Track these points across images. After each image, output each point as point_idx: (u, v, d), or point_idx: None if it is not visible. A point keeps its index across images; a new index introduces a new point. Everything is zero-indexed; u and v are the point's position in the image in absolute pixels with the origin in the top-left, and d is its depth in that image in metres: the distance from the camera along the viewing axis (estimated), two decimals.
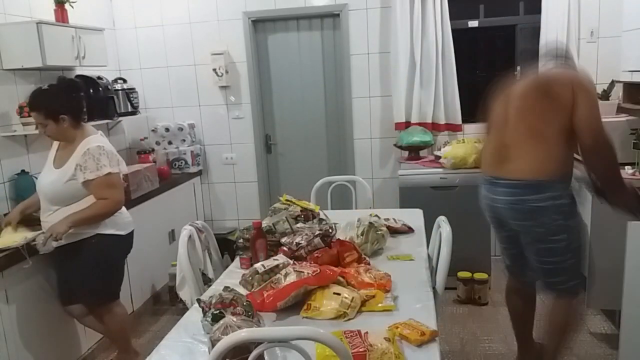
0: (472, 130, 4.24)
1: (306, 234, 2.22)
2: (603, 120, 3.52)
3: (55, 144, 2.76)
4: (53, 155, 2.73)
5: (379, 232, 2.37)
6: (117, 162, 2.67)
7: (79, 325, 3.02)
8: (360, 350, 1.44)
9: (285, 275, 1.85)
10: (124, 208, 2.79)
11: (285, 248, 2.19)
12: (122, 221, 2.75)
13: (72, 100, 2.66)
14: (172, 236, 4.12)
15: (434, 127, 4.20)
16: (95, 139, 2.64)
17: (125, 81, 4.21)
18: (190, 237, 2.35)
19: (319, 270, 1.83)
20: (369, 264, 2.14)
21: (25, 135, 3.29)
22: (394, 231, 2.59)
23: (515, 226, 2.40)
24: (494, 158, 2.40)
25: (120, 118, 4.07)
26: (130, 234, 2.80)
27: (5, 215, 2.84)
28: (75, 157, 2.58)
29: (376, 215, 2.55)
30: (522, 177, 2.29)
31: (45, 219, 2.62)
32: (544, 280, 2.44)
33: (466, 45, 4.36)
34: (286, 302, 1.77)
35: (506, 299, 2.77)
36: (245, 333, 1.21)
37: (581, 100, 2.20)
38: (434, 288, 2.05)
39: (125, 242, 2.78)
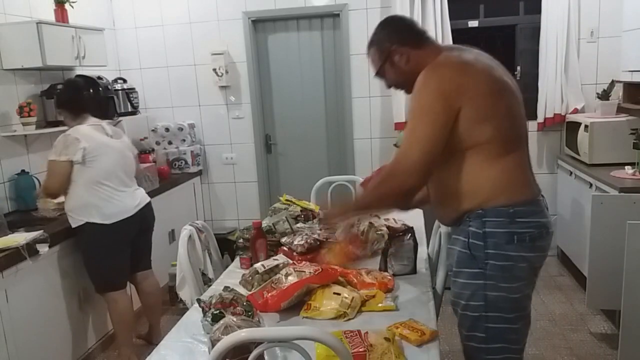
0: None
1: (306, 234, 2.22)
2: (602, 120, 3.56)
3: None
4: None
5: (379, 232, 2.37)
6: (75, 151, 2.73)
7: (79, 326, 3.03)
8: (360, 350, 1.44)
9: (286, 275, 1.85)
10: (116, 196, 2.85)
11: (285, 248, 2.19)
12: (109, 211, 2.83)
13: (68, 97, 2.95)
14: (172, 236, 4.12)
15: None
16: (73, 129, 2.82)
17: (125, 81, 4.20)
18: (190, 237, 2.35)
19: (320, 269, 1.83)
20: None
21: (25, 135, 3.29)
22: (394, 231, 2.58)
23: None
24: (531, 175, 1.72)
25: (120, 118, 4.07)
26: (118, 224, 2.84)
27: None
28: None
29: (376, 215, 2.55)
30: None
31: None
32: None
33: (466, 45, 4.36)
34: (289, 302, 1.77)
35: None
36: (245, 333, 1.21)
37: None
38: (434, 288, 2.05)
39: (112, 231, 2.84)
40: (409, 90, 1.72)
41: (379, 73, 1.83)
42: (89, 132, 2.84)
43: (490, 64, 1.69)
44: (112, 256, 2.90)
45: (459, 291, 1.70)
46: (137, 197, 3.00)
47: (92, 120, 2.95)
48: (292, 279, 1.80)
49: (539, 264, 1.69)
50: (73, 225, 2.83)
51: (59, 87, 3.06)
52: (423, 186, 1.68)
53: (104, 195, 2.82)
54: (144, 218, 3.04)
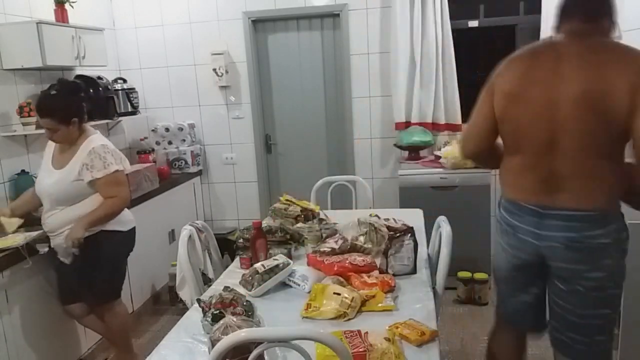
0: None
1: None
2: None
3: (51, 144, 2.74)
4: (50, 155, 2.71)
5: (379, 232, 2.37)
6: (121, 159, 2.69)
7: (79, 326, 3.02)
8: (360, 350, 1.44)
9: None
10: None
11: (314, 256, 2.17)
12: (125, 218, 2.77)
13: (80, 103, 2.68)
14: (172, 236, 4.12)
15: (434, 127, 4.20)
16: (97, 138, 2.67)
17: (125, 81, 4.21)
18: (190, 237, 2.35)
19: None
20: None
21: (25, 135, 3.29)
22: (394, 231, 2.58)
23: (562, 271, 1.81)
24: (540, 185, 1.80)
25: (120, 118, 4.07)
26: (132, 231, 2.82)
27: None
28: (80, 156, 2.59)
29: (376, 215, 2.55)
30: (583, 207, 1.73)
31: (47, 219, 2.62)
32: (586, 341, 1.86)
33: (466, 45, 4.36)
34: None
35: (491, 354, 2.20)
36: (245, 333, 1.21)
37: None
38: (434, 288, 2.05)
39: (127, 239, 2.80)
40: None
41: None
42: (108, 141, 2.73)
43: (524, 69, 1.83)
44: (122, 264, 2.85)
45: None
46: None
47: (91, 128, 2.77)
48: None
49: (511, 257, 1.96)
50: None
51: (53, 92, 2.65)
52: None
53: None
54: None
